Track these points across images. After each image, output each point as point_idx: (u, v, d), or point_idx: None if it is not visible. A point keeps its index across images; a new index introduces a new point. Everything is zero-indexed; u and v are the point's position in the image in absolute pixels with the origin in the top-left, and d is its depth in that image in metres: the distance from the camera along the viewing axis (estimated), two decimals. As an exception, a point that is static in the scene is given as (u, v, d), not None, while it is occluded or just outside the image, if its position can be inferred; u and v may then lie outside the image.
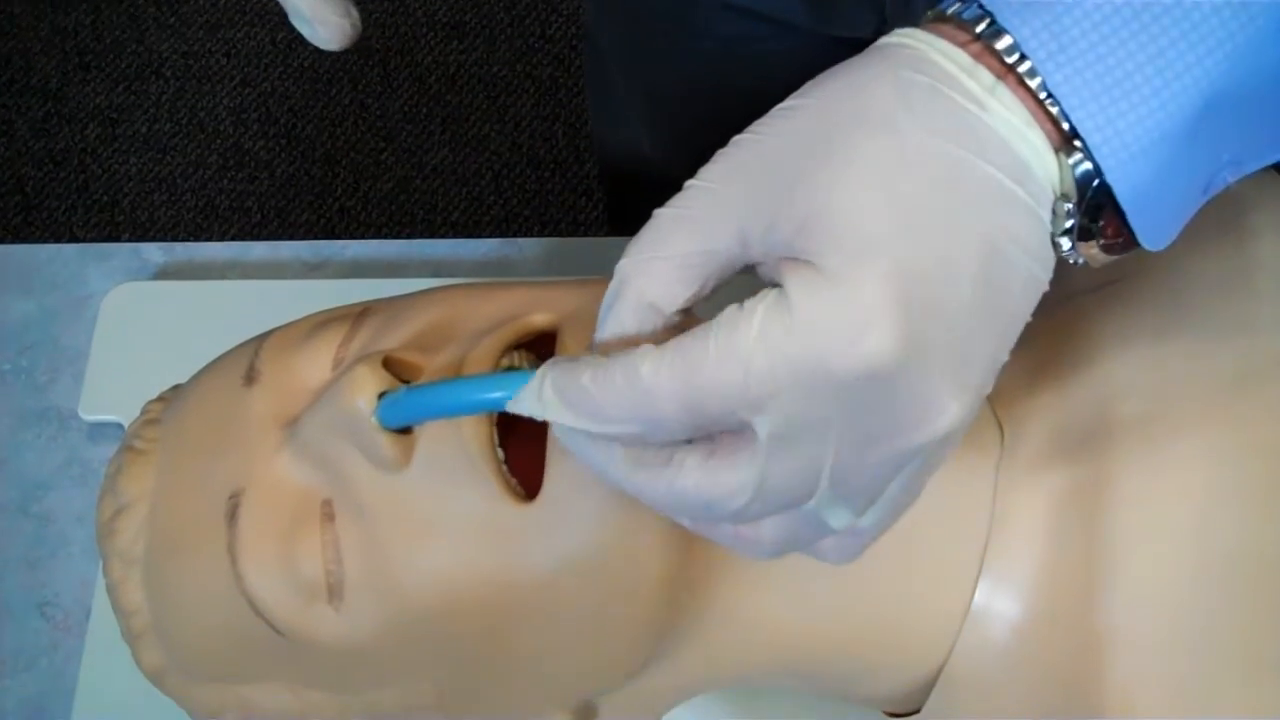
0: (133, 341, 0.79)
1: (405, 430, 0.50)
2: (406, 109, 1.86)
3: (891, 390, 0.38)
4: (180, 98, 1.88)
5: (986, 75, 0.40)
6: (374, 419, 0.49)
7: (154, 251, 0.85)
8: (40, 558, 0.76)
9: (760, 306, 0.38)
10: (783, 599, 0.54)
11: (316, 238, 1.76)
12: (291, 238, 1.76)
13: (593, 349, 0.42)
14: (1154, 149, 0.39)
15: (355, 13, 0.48)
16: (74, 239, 1.79)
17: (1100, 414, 0.54)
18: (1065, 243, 0.40)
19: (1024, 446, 0.54)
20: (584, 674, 0.54)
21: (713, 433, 0.40)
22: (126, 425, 0.61)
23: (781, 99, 0.41)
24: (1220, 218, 0.57)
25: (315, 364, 0.54)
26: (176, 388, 0.60)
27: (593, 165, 1.79)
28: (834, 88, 0.41)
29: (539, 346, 0.52)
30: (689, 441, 0.41)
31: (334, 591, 0.51)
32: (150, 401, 0.60)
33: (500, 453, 0.50)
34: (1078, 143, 0.39)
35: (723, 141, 0.42)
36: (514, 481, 0.50)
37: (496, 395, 0.44)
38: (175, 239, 1.76)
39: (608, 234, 0.97)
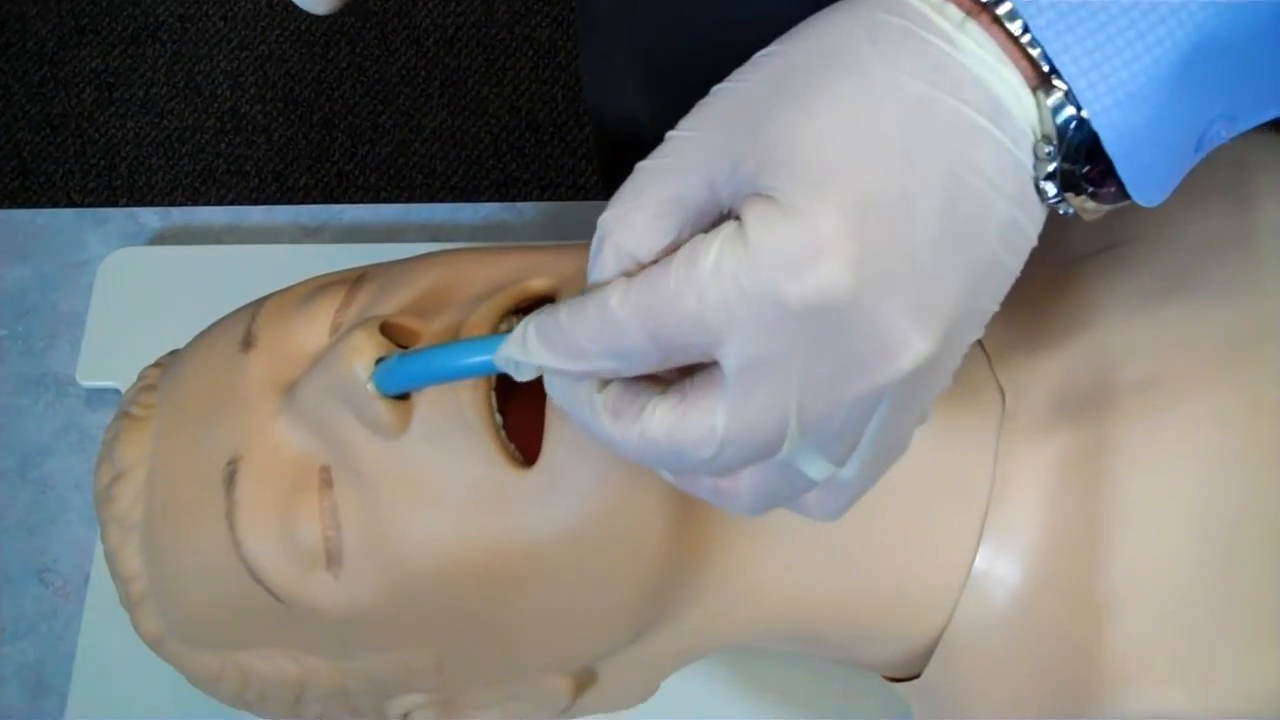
0: (130, 307, 0.79)
1: (403, 396, 0.50)
2: (404, 72, 1.85)
3: (848, 323, 0.38)
4: (177, 61, 1.87)
5: (955, 11, 0.39)
6: (371, 385, 0.49)
7: (150, 216, 0.84)
8: (39, 524, 0.76)
9: (719, 238, 0.38)
10: (783, 564, 0.54)
11: (314, 202, 1.75)
12: (289, 202, 1.75)
13: None
14: (1141, 95, 0.39)
15: None
16: (71, 204, 1.78)
17: (1102, 378, 0.53)
18: (1050, 189, 0.40)
19: (1025, 411, 0.54)
20: (583, 639, 0.54)
21: (682, 366, 0.40)
22: (124, 391, 0.61)
23: None
24: (1223, 180, 0.56)
25: (312, 329, 0.54)
26: (173, 353, 0.60)
27: (592, 129, 1.78)
28: (807, 33, 0.40)
29: (538, 311, 0.52)
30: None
31: (332, 558, 0.51)
32: (147, 367, 0.60)
33: (499, 419, 0.50)
34: (1058, 83, 0.39)
35: None
36: (512, 447, 0.49)
37: (492, 358, 0.43)
38: (173, 203, 1.75)
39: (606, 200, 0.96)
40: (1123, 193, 0.41)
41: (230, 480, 0.52)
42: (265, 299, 0.57)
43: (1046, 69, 0.39)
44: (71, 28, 1.89)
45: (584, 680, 0.56)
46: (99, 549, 0.72)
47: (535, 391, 0.49)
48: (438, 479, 0.49)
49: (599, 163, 0.95)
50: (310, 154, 1.81)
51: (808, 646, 0.59)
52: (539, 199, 1.79)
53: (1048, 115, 0.39)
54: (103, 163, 1.82)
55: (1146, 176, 0.40)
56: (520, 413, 0.50)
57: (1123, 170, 0.40)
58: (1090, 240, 0.57)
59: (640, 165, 0.41)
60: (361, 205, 0.84)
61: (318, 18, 1.81)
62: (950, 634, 0.54)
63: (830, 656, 0.61)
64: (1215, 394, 0.52)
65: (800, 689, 0.68)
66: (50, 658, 0.72)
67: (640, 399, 0.41)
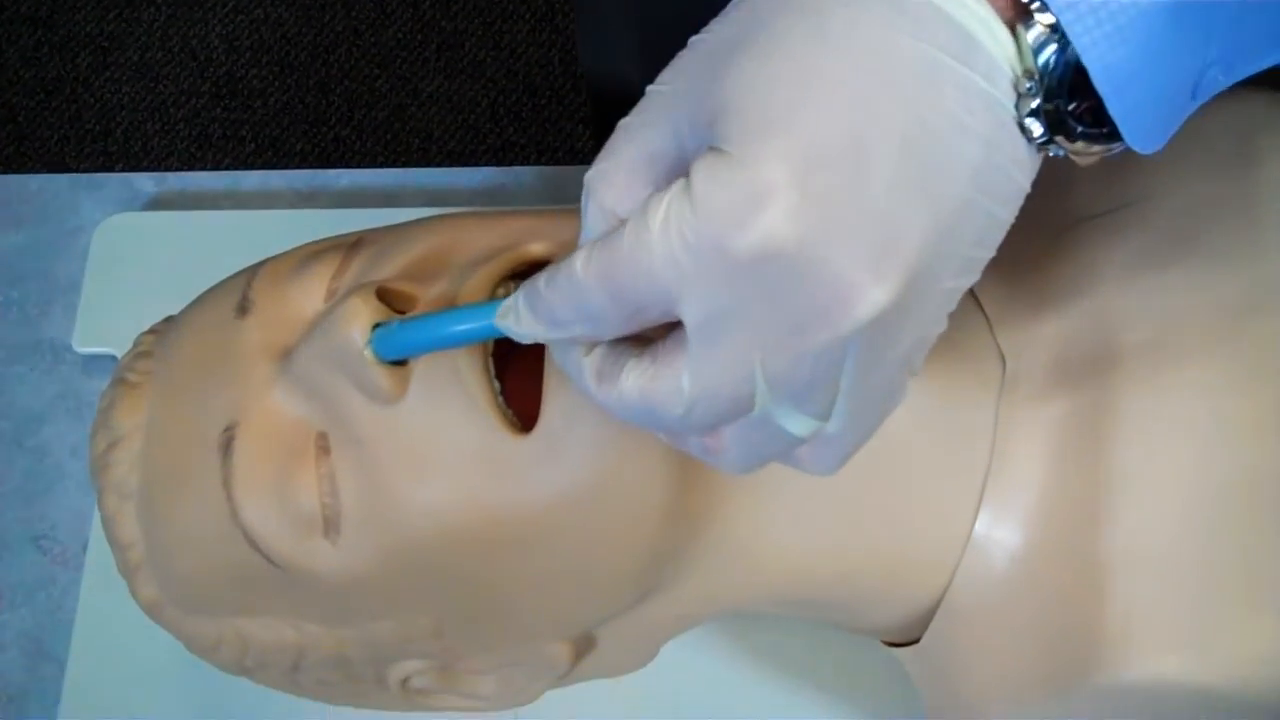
0: (126, 273, 0.79)
1: (400, 362, 0.49)
2: (401, 35, 1.84)
3: (800, 273, 0.37)
4: (172, 25, 1.86)
5: None
6: (367, 351, 0.48)
7: (146, 182, 0.84)
8: (36, 491, 0.76)
9: (669, 193, 0.38)
10: (782, 529, 0.54)
11: (310, 167, 1.74)
12: (285, 167, 1.75)
13: None
14: (1131, 28, 0.38)
15: None
16: (66, 169, 1.77)
17: (1103, 342, 0.53)
18: (1036, 128, 0.39)
19: (1026, 375, 0.54)
20: (583, 605, 0.54)
21: (649, 327, 0.40)
22: (120, 357, 0.61)
23: None
24: (1226, 143, 0.56)
25: (308, 295, 0.54)
26: (169, 319, 0.60)
27: (588, 93, 1.78)
28: None
29: (535, 276, 0.52)
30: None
31: (330, 524, 0.51)
32: (142, 333, 0.60)
33: (496, 385, 0.49)
34: (1039, 15, 0.38)
35: None
36: (510, 413, 0.49)
37: (489, 323, 0.43)
38: (169, 168, 1.74)
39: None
40: (1115, 135, 0.39)
41: (227, 446, 0.52)
42: (261, 264, 0.56)
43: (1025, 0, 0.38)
44: (66, -9, 1.88)
45: (583, 646, 0.56)
46: (96, 516, 0.72)
47: (533, 357, 0.49)
48: (435, 445, 0.49)
49: (595, 127, 0.95)
50: (306, 119, 1.81)
51: (807, 611, 0.59)
52: (536, 163, 1.79)
53: (1028, 49, 0.38)
54: (98, 128, 1.81)
55: (1139, 117, 0.39)
56: (518, 378, 0.50)
57: (1114, 108, 0.38)
58: (1092, 203, 0.56)
59: (621, 122, 0.41)
60: (358, 170, 0.84)
61: (313, -19, 1.80)
62: (950, 598, 0.54)
63: (829, 621, 0.61)
64: (1217, 359, 0.52)
65: (799, 655, 0.68)
66: (49, 625, 0.72)
67: (621, 361, 0.41)
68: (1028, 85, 0.38)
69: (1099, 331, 0.53)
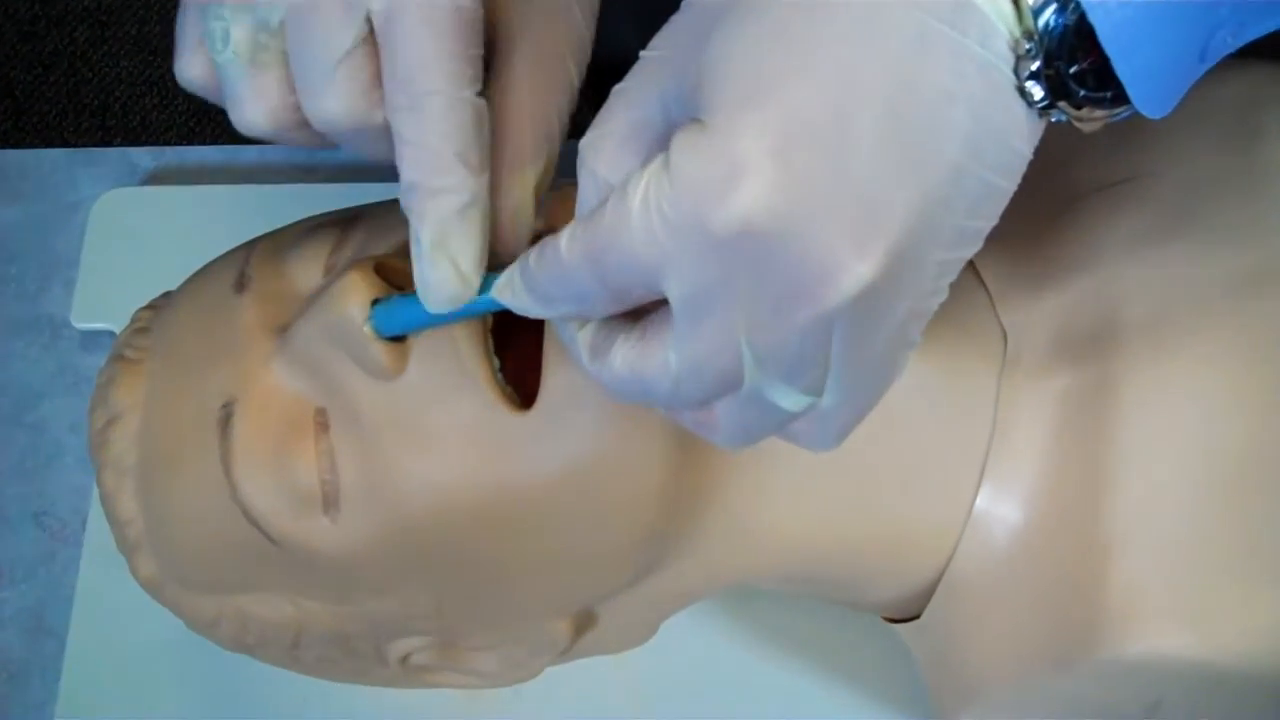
0: (124, 248, 0.79)
1: (399, 338, 0.49)
2: (400, 8, 1.83)
3: (780, 248, 0.36)
4: (170, -1, 1.85)
5: None
6: (367, 327, 0.48)
7: (143, 156, 0.84)
8: (35, 467, 0.75)
9: (650, 168, 0.37)
10: (783, 504, 0.53)
11: (310, 141, 1.74)
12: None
13: None
14: None
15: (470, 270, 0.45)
16: (64, 144, 1.77)
17: (1105, 317, 0.53)
18: (1037, 91, 0.37)
19: (1027, 351, 0.54)
20: (583, 581, 0.54)
21: (636, 305, 0.40)
22: (119, 333, 0.61)
23: None
24: (1230, 117, 0.56)
25: (307, 270, 0.53)
26: (167, 295, 0.60)
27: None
28: None
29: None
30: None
31: (329, 501, 0.50)
32: (140, 309, 0.59)
33: (496, 361, 0.49)
34: None
35: None
36: (510, 390, 0.49)
37: (488, 296, 0.43)
38: (168, 143, 1.74)
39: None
40: (1119, 99, 0.38)
41: (225, 423, 0.52)
42: (259, 240, 0.56)
43: None
44: (63, -36, 1.88)
45: (584, 623, 0.56)
46: (96, 492, 0.71)
47: (532, 334, 0.48)
48: (435, 422, 0.49)
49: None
50: (305, 92, 1.80)
51: (808, 587, 0.59)
52: (536, 137, 1.78)
53: (1026, 9, 0.37)
54: (97, 102, 1.80)
55: (1148, 80, 0.38)
56: (518, 355, 0.50)
57: (1121, 70, 0.37)
58: (1094, 178, 0.56)
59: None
60: (357, 144, 0.83)
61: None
62: (951, 574, 0.54)
63: (830, 597, 0.61)
64: (1219, 334, 0.52)
65: (799, 631, 0.68)
66: (49, 601, 0.72)
67: (613, 335, 0.41)
68: (1027, 47, 0.37)
69: (1101, 307, 0.53)
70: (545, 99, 0.46)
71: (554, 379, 0.48)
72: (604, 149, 0.40)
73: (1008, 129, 0.38)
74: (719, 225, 0.36)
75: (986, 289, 0.56)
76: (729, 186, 0.36)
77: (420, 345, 0.49)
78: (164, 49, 1.83)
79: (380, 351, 0.49)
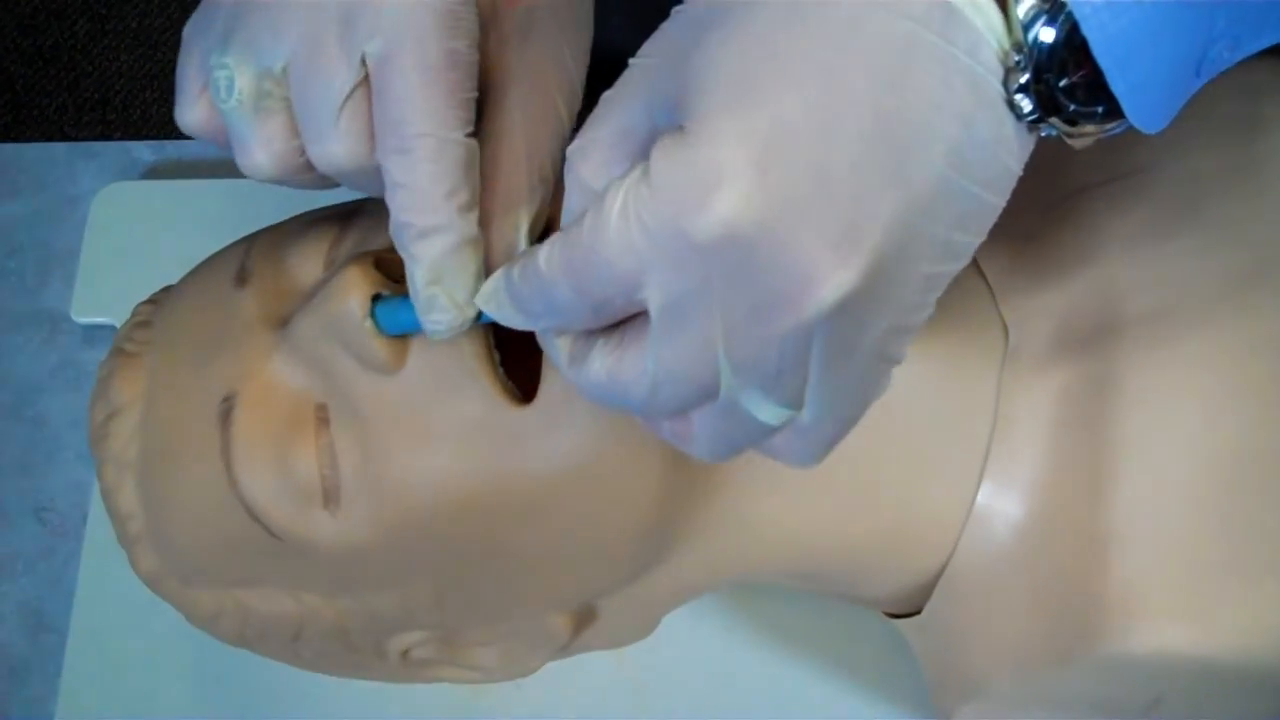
0: (124, 242, 0.79)
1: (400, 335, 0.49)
2: (400, 2, 1.83)
3: (759, 256, 0.36)
4: (170, -9, 1.85)
5: None
6: (367, 322, 0.48)
7: (144, 150, 0.84)
8: (35, 462, 0.75)
9: (629, 178, 0.37)
10: (783, 500, 0.53)
11: (311, 135, 1.74)
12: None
13: None
14: None
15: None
16: (64, 138, 1.77)
17: (1106, 312, 0.53)
18: (1026, 104, 0.37)
19: (1028, 346, 0.54)
20: (584, 577, 0.54)
21: (615, 316, 0.40)
22: (120, 327, 0.61)
23: None
24: (1230, 110, 0.55)
25: (307, 264, 0.53)
26: (167, 289, 0.60)
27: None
28: None
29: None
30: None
31: (330, 496, 0.50)
32: (141, 303, 0.59)
33: (496, 355, 0.49)
34: None
35: None
36: (510, 385, 0.49)
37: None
38: (168, 137, 1.73)
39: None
40: (1112, 114, 0.38)
41: (225, 417, 0.52)
42: (259, 233, 0.56)
43: None
44: (63, -42, 1.87)
45: (584, 617, 0.56)
46: (96, 487, 0.71)
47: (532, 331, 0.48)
48: (435, 417, 0.49)
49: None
50: (306, 86, 1.80)
51: (808, 582, 0.59)
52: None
53: (1016, 20, 0.37)
54: (97, 95, 1.80)
55: (1143, 94, 0.37)
56: (518, 350, 0.50)
57: (1115, 84, 0.37)
58: (1095, 173, 0.56)
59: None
60: (357, 138, 0.83)
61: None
62: (952, 569, 0.54)
63: (830, 592, 0.61)
64: (1220, 328, 0.51)
65: (799, 626, 0.68)
66: (50, 596, 0.72)
67: (592, 341, 0.41)
68: (1016, 59, 0.37)
69: (1102, 302, 0.53)
70: (538, 141, 0.46)
71: (554, 374, 0.48)
72: (590, 156, 0.40)
73: (996, 142, 0.37)
74: (698, 232, 0.36)
75: (987, 283, 0.56)
76: (708, 193, 0.35)
77: (420, 340, 0.49)
78: (164, 42, 1.82)
79: (380, 346, 0.48)
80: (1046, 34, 0.36)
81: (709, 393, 0.39)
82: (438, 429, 0.49)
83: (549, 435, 0.49)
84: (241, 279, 0.54)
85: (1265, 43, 0.39)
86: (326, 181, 0.47)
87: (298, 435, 0.51)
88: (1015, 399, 0.53)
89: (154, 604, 0.59)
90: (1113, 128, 0.38)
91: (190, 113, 0.48)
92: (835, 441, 0.41)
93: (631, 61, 0.40)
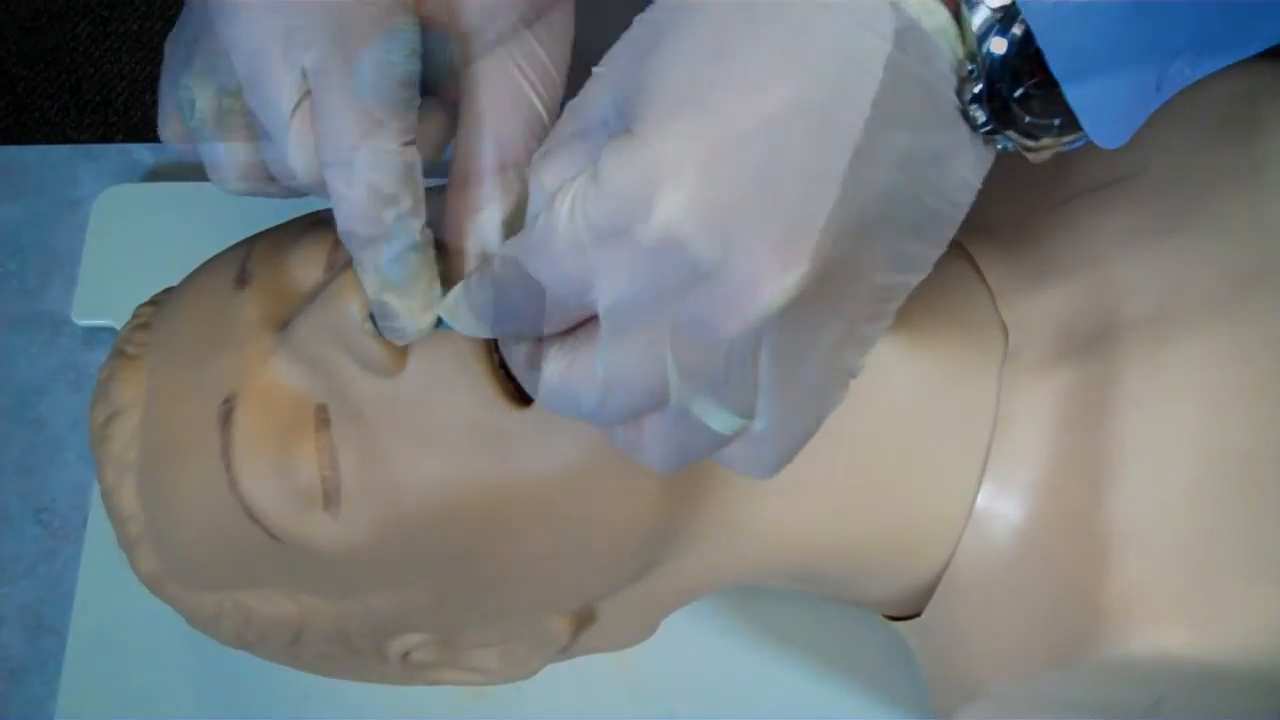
0: (125, 244, 0.79)
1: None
2: (401, 5, 1.83)
3: (705, 257, 0.36)
4: (171, -6, 1.85)
5: None
6: (367, 324, 0.48)
7: (144, 153, 0.84)
8: (36, 464, 0.75)
9: (579, 179, 0.37)
10: (782, 504, 0.53)
11: (312, 137, 1.74)
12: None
13: None
14: (1091, 8, 0.35)
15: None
16: (66, 140, 1.77)
17: (1106, 314, 0.53)
18: (980, 115, 0.37)
19: (1028, 348, 0.54)
20: (582, 579, 0.54)
21: (569, 321, 0.40)
22: (120, 329, 0.61)
23: None
24: (1228, 111, 0.55)
25: (308, 266, 0.53)
26: (168, 291, 0.60)
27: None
28: None
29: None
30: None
31: (330, 497, 0.50)
32: (141, 305, 0.59)
33: (496, 357, 0.49)
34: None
35: None
36: (510, 387, 0.49)
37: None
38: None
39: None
40: (1069, 127, 0.38)
41: (226, 419, 0.52)
42: (260, 235, 0.56)
43: None
44: (64, -40, 1.88)
45: (583, 620, 0.56)
46: (96, 489, 0.71)
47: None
48: (435, 418, 0.49)
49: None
50: (307, 89, 1.80)
51: (808, 585, 0.59)
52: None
53: (970, 30, 0.36)
54: (98, 98, 1.80)
55: (1102, 110, 0.37)
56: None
57: (1074, 98, 0.36)
58: (1093, 175, 0.56)
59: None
60: (358, 141, 0.83)
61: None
62: (952, 572, 0.54)
63: (830, 595, 0.61)
64: (1220, 329, 0.51)
65: (800, 628, 0.68)
66: (50, 598, 0.72)
67: (548, 345, 0.41)
68: (970, 69, 0.37)
69: (1102, 303, 0.53)
70: (508, 140, 0.46)
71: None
72: (552, 160, 0.40)
73: (951, 153, 0.37)
74: (643, 234, 0.36)
75: (987, 285, 0.56)
76: (652, 194, 0.35)
77: (421, 342, 0.49)
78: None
79: (380, 348, 0.49)
80: (999, 44, 0.36)
81: (660, 399, 0.39)
82: (438, 430, 0.49)
83: (549, 437, 0.49)
84: (242, 281, 0.54)
85: (1226, 61, 0.38)
86: (295, 193, 0.47)
87: (298, 437, 0.51)
88: (1015, 400, 0.53)
89: (154, 606, 0.58)
90: (1070, 141, 0.38)
91: (166, 130, 0.49)
92: (791, 453, 0.41)
93: (594, 70, 0.40)
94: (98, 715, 0.68)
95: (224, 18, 0.44)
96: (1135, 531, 0.50)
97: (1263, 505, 0.50)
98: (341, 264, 0.52)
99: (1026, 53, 0.36)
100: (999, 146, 0.38)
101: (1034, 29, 0.36)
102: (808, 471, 0.53)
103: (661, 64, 0.37)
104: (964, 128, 0.37)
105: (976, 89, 0.37)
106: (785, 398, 0.39)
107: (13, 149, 0.84)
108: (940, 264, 0.56)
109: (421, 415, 0.49)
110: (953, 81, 0.37)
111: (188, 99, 0.46)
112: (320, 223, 0.55)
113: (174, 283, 0.59)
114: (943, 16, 0.36)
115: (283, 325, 0.52)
